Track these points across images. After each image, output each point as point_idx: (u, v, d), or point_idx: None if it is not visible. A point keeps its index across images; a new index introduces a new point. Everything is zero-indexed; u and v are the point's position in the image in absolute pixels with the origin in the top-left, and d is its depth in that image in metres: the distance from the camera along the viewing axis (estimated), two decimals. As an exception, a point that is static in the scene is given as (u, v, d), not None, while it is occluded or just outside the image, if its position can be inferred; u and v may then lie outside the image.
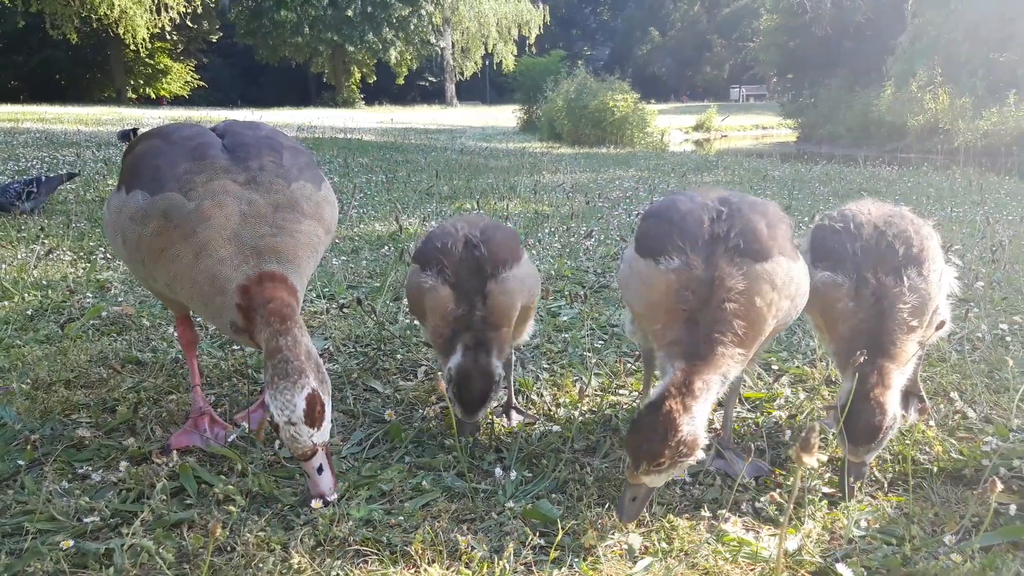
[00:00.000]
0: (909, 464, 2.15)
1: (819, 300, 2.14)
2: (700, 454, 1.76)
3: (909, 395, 2.40)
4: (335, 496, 1.89)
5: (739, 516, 1.91)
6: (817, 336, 2.54)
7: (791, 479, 2.07)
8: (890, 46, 24.37)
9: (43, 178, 5.87)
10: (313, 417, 1.77)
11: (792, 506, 1.87)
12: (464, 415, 2.16)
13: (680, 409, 1.71)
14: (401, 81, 51.42)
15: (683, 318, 1.85)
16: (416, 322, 3.40)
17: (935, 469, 2.14)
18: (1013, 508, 1.89)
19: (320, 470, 1.84)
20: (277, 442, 2.23)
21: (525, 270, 2.28)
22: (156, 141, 2.11)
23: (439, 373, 2.83)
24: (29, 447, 2.18)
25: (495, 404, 2.25)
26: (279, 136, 2.22)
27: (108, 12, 35.39)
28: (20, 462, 2.11)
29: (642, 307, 2.00)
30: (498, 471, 2.08)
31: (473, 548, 1.72)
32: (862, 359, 1.97)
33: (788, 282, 1.90)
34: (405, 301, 3.70)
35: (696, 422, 1.73)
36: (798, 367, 2.94)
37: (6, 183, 5.93)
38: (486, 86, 57.94)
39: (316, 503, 1.85)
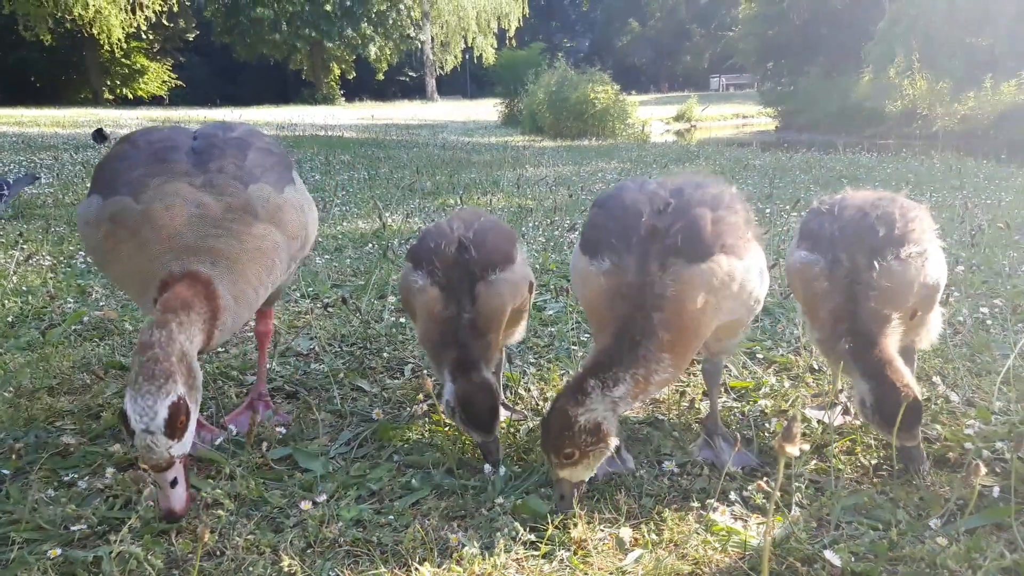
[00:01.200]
0: (894, 449, 2.17)
1: (796, 280, 2.15)
2: (613, 442, 1.83)
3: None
4: (184, 515, 1.72)
5: (727, 506, 1.93)
6: (802, 323, 2.55)
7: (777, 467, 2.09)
8: (868, 32, 24.52)
9: (9, 180, 5.84)
10: (174, 428, 1.63)
11: (778, 495, 1.89)
12: (483, 436, 2.08)
13: (571, 403, 1.79)
14: (381, 77, 51.12)
15: (614, 324, 1.85)
16: (403, 320, 3.40)
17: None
18: (997, 490, 1.91)
19: (174, 484, 1.68)
20: (264, 444, 2.22)
21: (518, 272, 2.23)
22: (124, 146, 2.09)
23: (425, 372, 2.83)
24: (14, 456, 2.16)
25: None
26: (251, 137, 2.18)
27: (83, 12, 34.94)
28: (5, 471, 2.09)
29: (584, 305, 2.03)
30: (487, 467, 2.08)
31: (464, 545, 1.73)
32: (847, 346, 1.97)
33: (729, 282, 1.86)
34: (390, 299, 3.70)
35: (594, 413, 1.79)
36: (783, 355, 2.96)
37: None
38: (467, 80, 57.77)
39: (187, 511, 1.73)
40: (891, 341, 2.01)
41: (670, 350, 1.83)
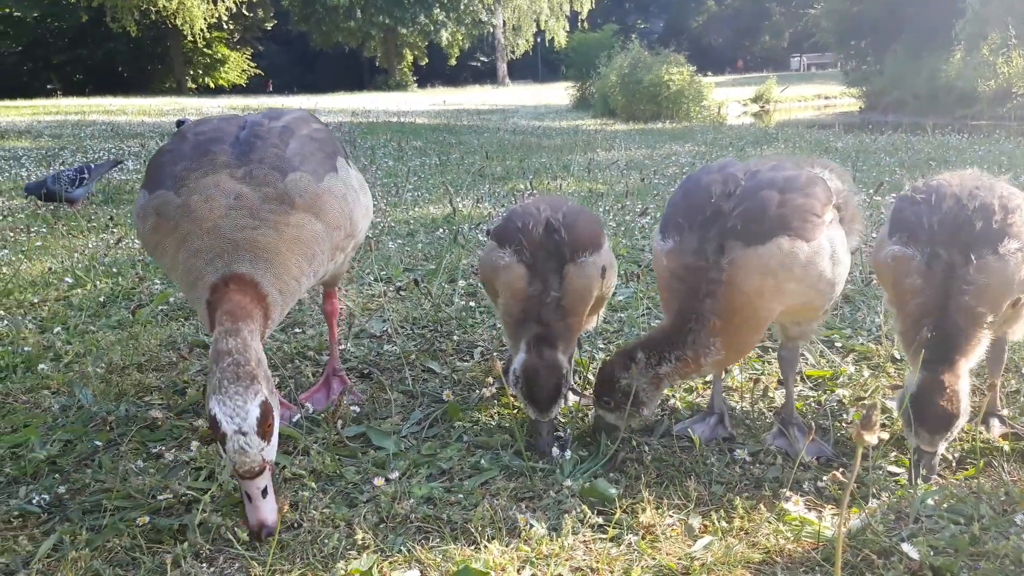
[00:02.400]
0: (978, 442, 2.09)
1: (887, 273, 2.06)
2: (647, 411, 2.03)
3: (989, 415, 2.20)
4: (276, 527, 1.67)
5: (801, 495, 1.89)
6: (885, 311, 2.46)
7: (854, 458, 2.03)
8: (958, 8, 23.28)
9: (92, 166, 6.11)
10: (265, 428, 1.61)
11: (854, 485, 1.84)
12: (538, 414, 2.09)
13: (619, 367, 1.99)
14: (453, 62, 51.42)
15: (675, 305, 1.91)
16: (473, 304, 3.43)
17: (1006, 447, 2.08)
18: (1090, 487, 1.82)
19: (264, 493, 1.64)
20: (340, 421, 2.28)
21: (605, 258, 2.22)
22: (174, 140, 2.12)
23: (495, 354, 2.85)
24: (106, 428, 2.28)
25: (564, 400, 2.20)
26: (298, 124, 2.16)
27: (167, 4, 36.29)
28: (98, 442, 2.21)
29: (657, 283, 2.12)
30: (555, 450, 2.09)
31: (532, 525, 1.74)
32: (928, 335, 1.89)
33: (791, 264, 1.86)
34: (460, 283, 3.73)
35: (636, 382, 1.96)
36: (863, 344, 2.87)
37: (58, 171, 6.18)
38: (538, 64, 57.50)
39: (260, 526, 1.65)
40: (978, 343, 1.90)
41: (722, 334, 1.86)
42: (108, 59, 42.00)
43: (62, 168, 6.39)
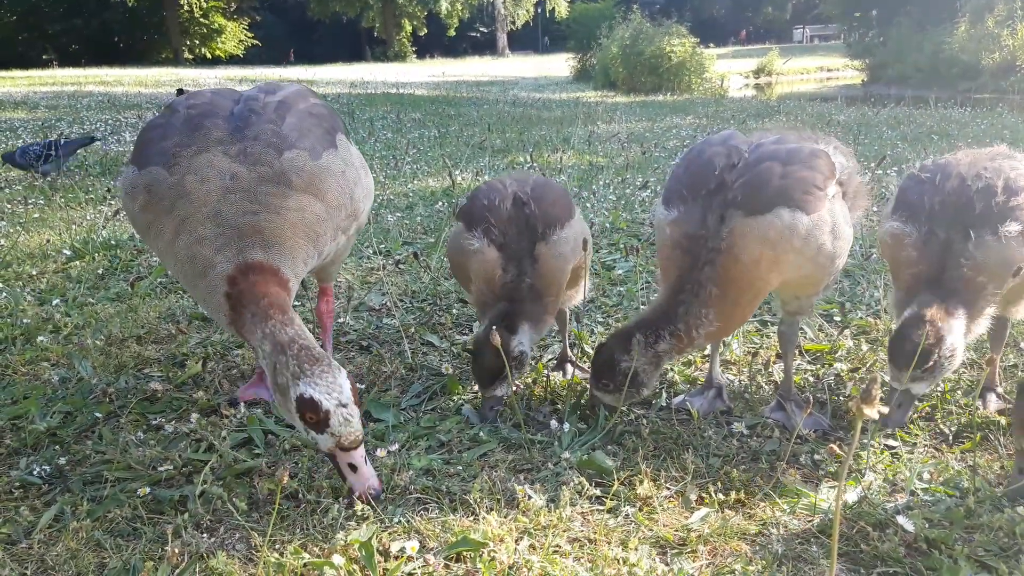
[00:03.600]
0: (975, 416, 2.09)
1: (885, 248, 2.08)
2: (646, 391, 2.04)
3: (986, 390, 2.22)
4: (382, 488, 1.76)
5: (797, 468, 1.90)
6: (884, 285, 2.46)
7: (851, 432, 2.04)
8: (965, -21, 23.01)
9: (61, 141, 6.09)
10: (357, 398, 1.66)
11: (851, 458, 1.85)
12: (480, 389, 2.12)
13: (619, 349, 1.98)
14: (452, 33, 50.88)
15: (673, 277, 1.94)
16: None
17: (1002, 421, 2.09)
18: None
19: (365, 460, 1.71)
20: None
21: (576, 229, 2.17)
22: (165, 114, 2.04)
23: (494, 327, 2.85)
24: (106, 400, 2.29)
25: (519, 379, 2.20)
26: (296, 98, 2.08)
27: (163, -28, 35.82)
28: (98, 414, 2.22)
29: (657, 255, 2.12)
30: (554, 423, 2.10)
31: (530, 497, 1.75)
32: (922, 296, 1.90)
33: (789, 236, 1.85)
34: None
35: (636, 363, 1.97)
36: (862, 319, 2.87)
37: (26, 144, 6.20)
38: (538, 35, 56.93)
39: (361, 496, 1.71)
40: (978, 311, 1.91)
41: (717, 304, 1.88)
42: (104, 29, 41.53)
43: (31, 143, 6.39)
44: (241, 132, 1.92)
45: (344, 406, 1.61)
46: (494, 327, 2.02)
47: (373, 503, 1.71)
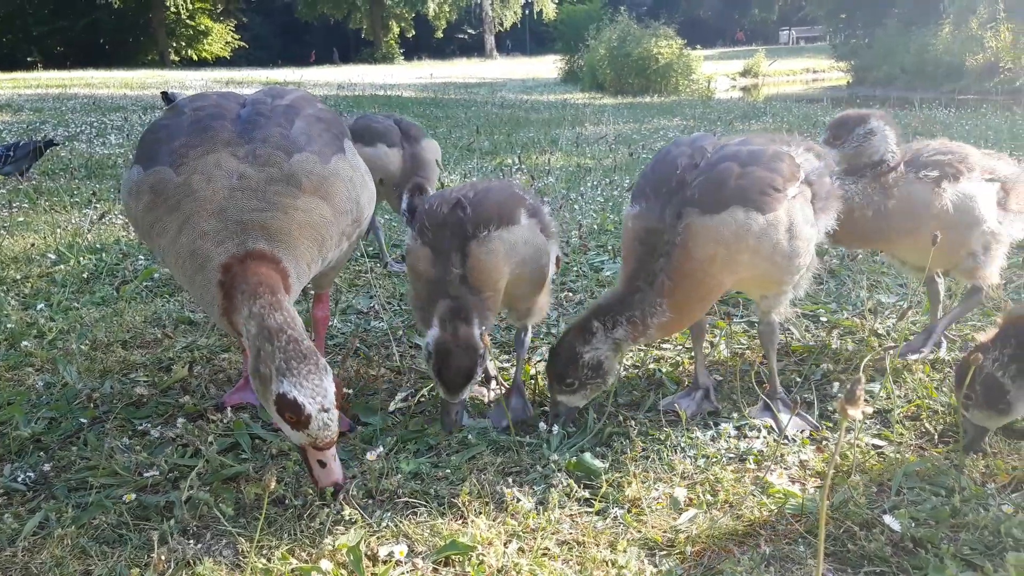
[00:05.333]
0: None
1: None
2: (611, 379, 2.06)
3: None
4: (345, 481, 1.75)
5: (785, 469, 1.91)
6: (871, 287, 2.45)
7: (837, 432, 2.05)
8: (948, -19, 23.19)
9: (20, 144, 6.07)
10: (339, 400, 1.63)
11: (838, 458, 1.86)
12: (447, 395, 2.01)
13: (579, 341, 2.00)
14: (440, 35, 50.81)
15: (630, 267, 1.99)
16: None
17: (988, 420, 2.10)
18: (1069, 459, 1.85)
19: (335, 457, 1.69)
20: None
21: (519, 235, 2.08)
22: (168, 114, 2.03)
23: (483, 329, 2.85)
24: (91, 405, 2.27)
25: (480, 379, 2.14)
26: (302, 103, 2.07)
27: (149, -26, 35.61)
28: (83, 419, 2.20)
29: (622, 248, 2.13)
30: (542, 425, 2.10)
31: (519, 500, 1.75)
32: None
33: (744, 235, 1.89)
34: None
35: (598, 352, 1.99)
36: (847, 319, 2.89)
37: None
38: (526, 37, 56.96)
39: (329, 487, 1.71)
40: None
41: (670, 296, 1.92)
42: (89, 31, 41.25)
43: None
44: (249, 134, 1.90)
45: (326, 411, 1.58)
46: (453, 324, 1.96)
47: (334, 498, 1.72)
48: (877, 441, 2.03)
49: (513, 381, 2.31)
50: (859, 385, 1.20)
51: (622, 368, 2.50)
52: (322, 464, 1.67)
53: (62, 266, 3.73)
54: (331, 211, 1.91)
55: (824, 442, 2.04)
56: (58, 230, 4.43)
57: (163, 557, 1.54)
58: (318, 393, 1.58)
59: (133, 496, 1.79)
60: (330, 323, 2.92)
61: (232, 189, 1.81)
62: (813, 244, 2.06)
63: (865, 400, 1.13)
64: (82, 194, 5.48)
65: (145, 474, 1.90)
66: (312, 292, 2.45)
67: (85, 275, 3.60)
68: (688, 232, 1.89)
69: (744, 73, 28.90)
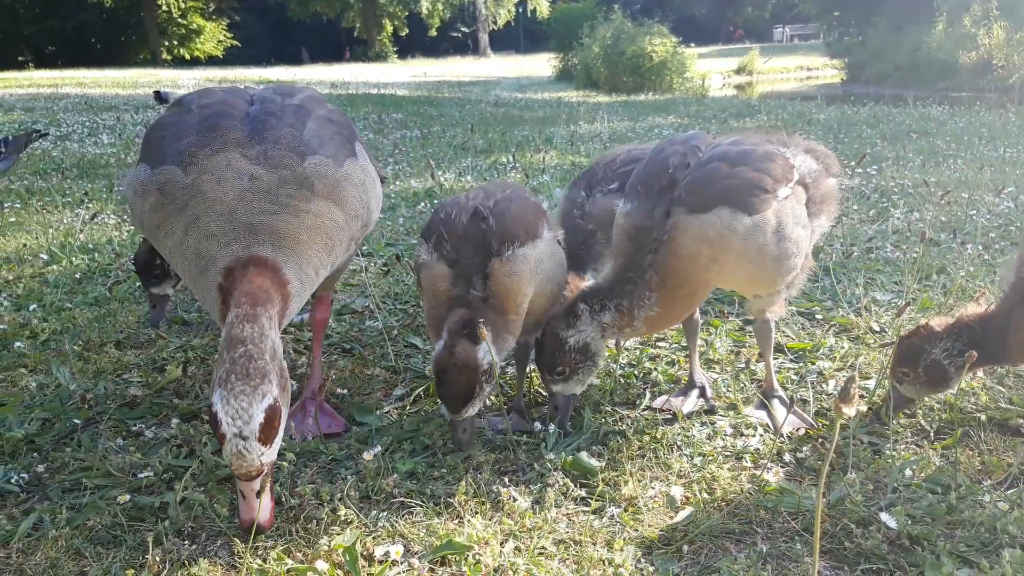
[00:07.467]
0: (956, 413, 2.11)
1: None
2: (601, 361, 2.05)
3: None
4: (269, 526, 1.62)
5: (781, 467, 1.91)
6: (867, 285, 2.46)
7: (833, 430, 2.06)
8: (941, -21, 23.26)
9: (9, 138, 6.03)
10: (269, 433, 1.48)
11: (833, 455, 1.86)
12: (449, 413, 1.92)
13: (562, 326, 2.00)
14: (433, 33, 50.77)
15: (620, 261, 2.00)
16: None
17: (983, 418, 2.11)
18: (1064, 456, 1.85)
19: (259, 493, 1.54)
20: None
21: (543, 250, 1.97)
22: (174, 111, 1.97)
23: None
24: (85, 406, 2.26)
25: (487, 398, 2.05)
26: (312, 104, 2.01)
27: (140, -28, 35.49)
28: (76, 420, 2.19)
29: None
30: (538, 424, 2.09)
31: (515, 499, 1.75)
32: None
33: (729, 235, 1.87)
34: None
35: (583, 334, 1.99)
36: (843, 316, 2.89)
37: None
38: (520, 35, 56.98)
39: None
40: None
41: (658, 290, 1.93)
42: (81, 30, 41.10)
43: None
44: (260, 135, 1.85)
45: (243, 439, 1.46)
46: (456, 340, 1.85)
47: (248, 534, 1.59)
48: (873, 439, 2.04)
49: (514, 400, 2.25)
50: (853, 383, 1.20)
51: (618, 367, 2.50)
52: (242, 495, 1.54)
53: (54, 266, 3.72)
54: (343, 215, 1.87)
55: (820, 440, 2.05)
56: (50, 230, 4.41)
57: (158, 558, 1.54)
58: (239, 417, 1.46)
59: (128, 497, 1.78)
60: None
61: (243, 190, 1.76)
62: (806, 246, 2.05)
63: (860, 397, 1.13)
64: (74, 194, 5.45)
65: (139, 475, 1.89)
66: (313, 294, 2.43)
67: (78, 275, 3.59)
68: (675, 230, 1.90)
69: (738, 71, 28.95)
